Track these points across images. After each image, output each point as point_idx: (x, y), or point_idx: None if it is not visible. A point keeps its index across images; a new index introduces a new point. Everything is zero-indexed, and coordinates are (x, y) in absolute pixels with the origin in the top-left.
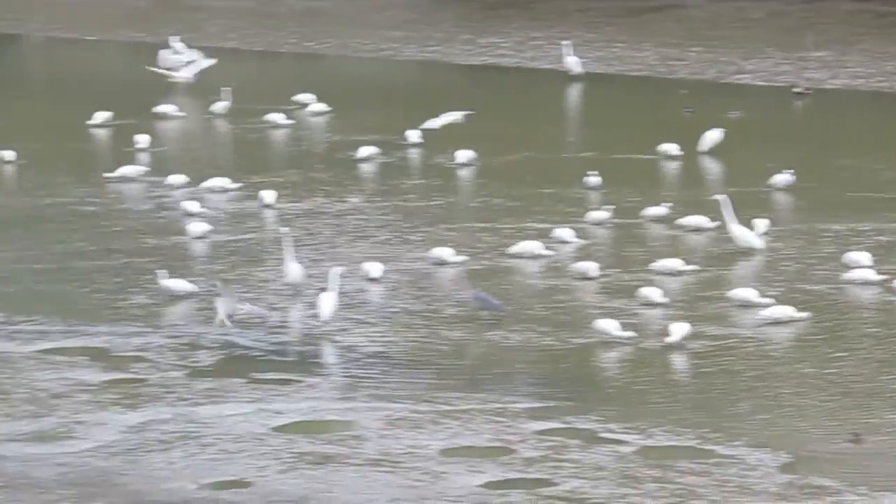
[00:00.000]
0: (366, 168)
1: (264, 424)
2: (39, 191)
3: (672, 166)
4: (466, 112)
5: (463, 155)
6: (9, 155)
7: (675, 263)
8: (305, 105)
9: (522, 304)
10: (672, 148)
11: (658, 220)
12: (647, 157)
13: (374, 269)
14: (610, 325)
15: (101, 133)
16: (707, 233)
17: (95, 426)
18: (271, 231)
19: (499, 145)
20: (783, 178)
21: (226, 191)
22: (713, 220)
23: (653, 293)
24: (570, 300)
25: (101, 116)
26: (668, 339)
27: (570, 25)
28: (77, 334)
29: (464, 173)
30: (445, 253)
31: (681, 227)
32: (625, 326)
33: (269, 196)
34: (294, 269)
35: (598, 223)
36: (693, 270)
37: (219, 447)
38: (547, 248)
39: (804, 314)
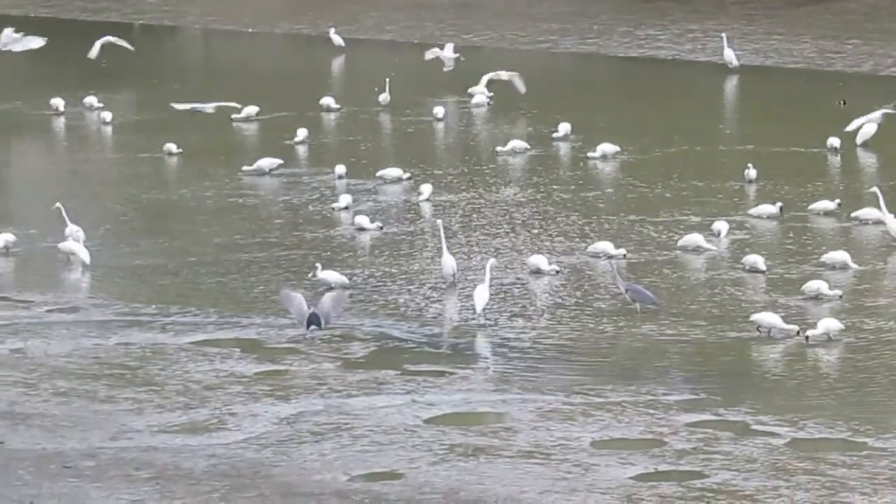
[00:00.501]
0: (518, 161)
1: (416, 416)
2: (198, 183)
3: (830, 159)
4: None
5: (602, 149)
6: (173, 147)
7: (842, 256)
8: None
9: (678, 296)
10: (834, 141)
11: (823, 213)
12: (805, 150)
13: (542, 262)
14: (773, 319)
15: (260, 125)
16: (872, 226)
17: (247, 418)
18: (429, 224)
19: (656, 137)
20: None
21: (399, 180)
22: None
23: (819, 286)
24: (726, 293)
25: (247, 111)
26: (811, 333)
27: (728, 18)
28: (230, 326)
29: (617, 166)
30: (605, 246)
31: (855, 219)
32: (785, 320)
33: (426, 189)
34: (448, 262)
35: (766, 216)
36: (857, 264)
37: (370, 439)
38: (708, 241)
39: None
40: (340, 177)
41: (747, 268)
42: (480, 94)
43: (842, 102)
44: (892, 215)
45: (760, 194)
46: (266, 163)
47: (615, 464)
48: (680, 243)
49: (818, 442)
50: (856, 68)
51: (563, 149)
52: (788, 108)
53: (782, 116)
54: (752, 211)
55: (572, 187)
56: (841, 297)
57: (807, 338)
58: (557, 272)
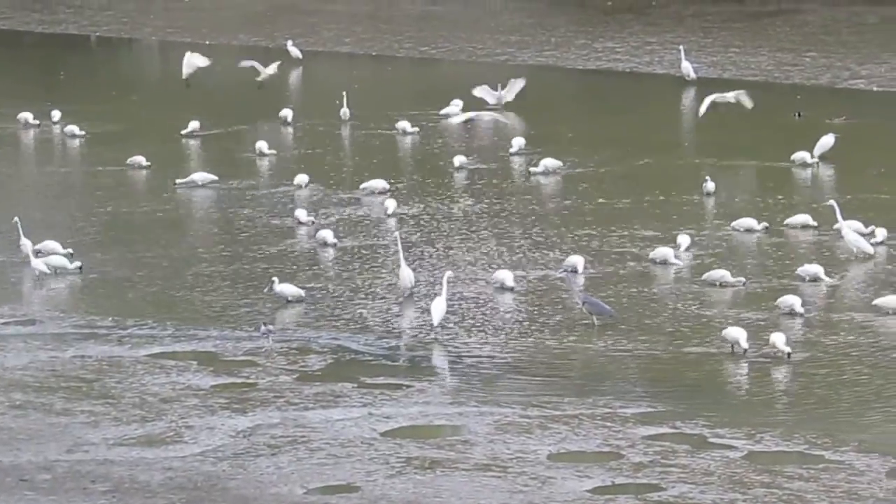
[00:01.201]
0: (474, 174)
1: (373, 429)
2: (159, 195)
3: (795, 172)
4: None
5: (545, 164)
6: (142, 160)
7: (815, 269)
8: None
9: (637, 310)
10: (804, 155)
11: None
12: (763, 163)
13: (507, 277)
14: (739, 334)
15: (222, 138)
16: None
17: (204, 430)
18: (387, 238)
19: (614, 150)
20: None
21: (379, 193)
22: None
23: (793, 301)
24: (686, 307)
25: (192, 125)
26: (767, 349)
27: (686, 30)
28: (188, 338)
29: (573, 178)
30: (577, 261)
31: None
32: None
33: (391, 204)
34: (406, 274)
35: (745, 230)
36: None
37: (327, 452)
38: (676, 255)
39: None
40: (300, 186)
41: (713, 282)
42: (455, 106)
43: (797, 115)
44: (849, 229)
45: (715, 207)
46: (199, 177)
47: (572, 477)
48: (651, 255)
49: (775, 455)
50: (814, 81)
51: (518, 162)
52: (746, 121)
53: (740, 129)
54: (735, 224)
55: (532, 201)
56: (804, 314)
57: (788, 355)
58: (512, 288)
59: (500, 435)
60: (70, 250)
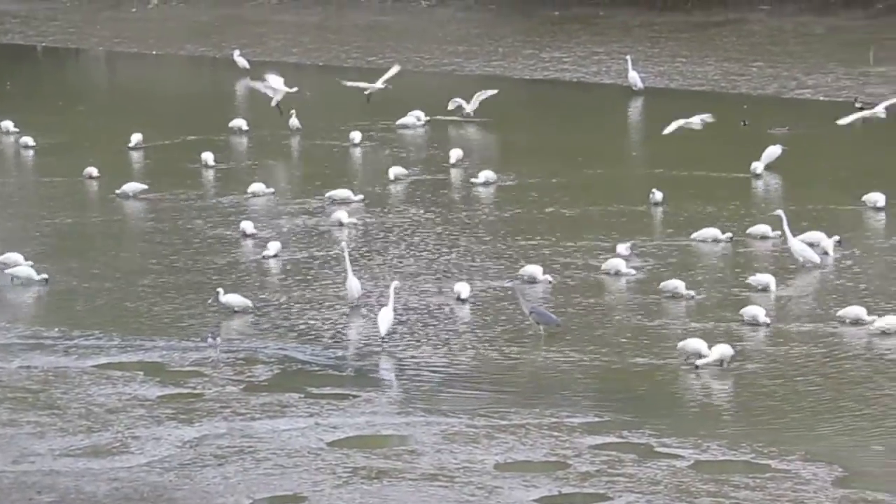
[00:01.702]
0: (417, 186)
1: (320, 439)
2: (109, 206)
3: (738, 182)
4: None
5: (484, 175)
6: (94, 171)
7: (767, 279)
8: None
9: (585, 319)
10: (757, 166)
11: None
12: (710, 173)
13: (464, 289)
14: (699, 345)
15: (171, 149)
16: (776, 248)
17: (150, 441)
18: (335, 248)
19: (561, 160)
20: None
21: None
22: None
23: (756, 312)
24: (634, 317)
25: (135, 139)
26: (702, 361)
27: (633, 40)
28: (134, 349)
29: (522, 188)
30: (534, 270)
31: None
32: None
33: (343, 216)
34: (352, 285)
35: (711, 240)
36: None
37: (274, 462)
38: (629, 266)
39: None
40: (255, 195)
41: (667, 292)
42: (413, 115)
43: (744, 123)
44: (795, 239)
45: (667, 217)
46: (131, 187)
47: (519, 486)
48: (604, 267)
49: (722, 464)
50: (760, 91)
51: (459, 174)
52: (693, 131)
53: (687, 139)
54: (696, 235)
55: (481, 212)
56: (769, 325)
57: (696, 367)
58: (465, 300)
59: (446, 445)
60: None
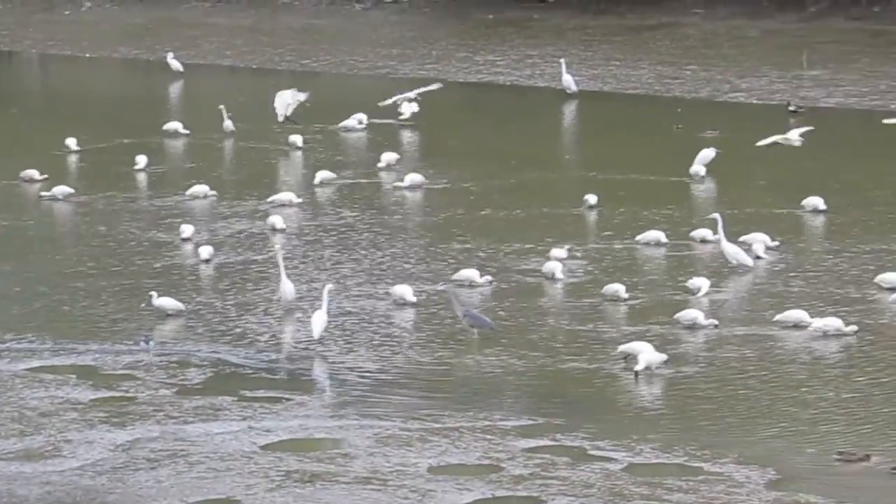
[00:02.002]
0: (350, 189)
1: (253, 442)
2: (44, 209)
3: (673, 185)
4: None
5: (411, 178)
6: (35, 174)
7: (702, 282)
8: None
9: (520, 323)
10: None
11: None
12: (644, 176)
13: (407, 292)
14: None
15: (104, 152)
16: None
17: (83, 444)
18: (269, 251)
19: (496, 163)
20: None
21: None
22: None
23: (695, 315)
24: (567, 320)
25: (68, 142)
26: (637, 367)
27: (567, 43)
28: (67, 352)
29: (457, 192)
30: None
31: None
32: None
33: (278, 220)
34: (286, 288)
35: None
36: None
37: (207, 465)
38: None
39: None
40: (204, 196)
41: (608, 296)
42: (355, 118)
43: (678, 127)
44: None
45: (597, 221)
46: (59, 190)
47: (452, 489)
48: (544, 270)
49: (655, 467)
50: (694, 94)
51: (389, 177)
52: (627, 134)
53: (621, 142)
54: (640, 237)
55: (416, 214)
56: (717, 326)
57: (636, 373)
58: (415, 304)
59: (380, 448)
60: None
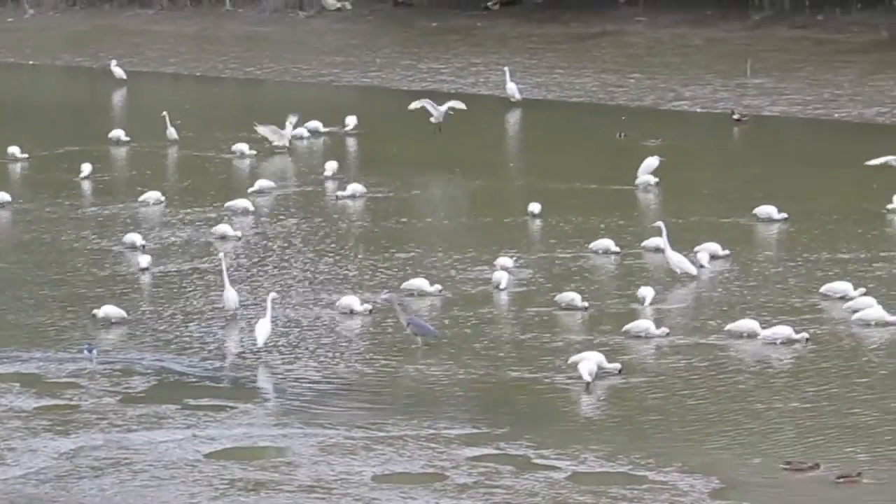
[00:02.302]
0: (293, 197)
1: (197, 451)
2: None
3: (615, 194)
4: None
5: (353, 188)
6: None
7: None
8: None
9: (465, 331)
10: (649, 179)
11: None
12: (588, 185)
13: (354, 302)
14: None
15: (49, 160)
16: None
17: (26, 453)
18: (213, 259)
19: (440, 171)
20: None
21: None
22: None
23: (647, 325)
24: (513, 330)
25: (10, 150)
26: (586, 379)
27: (511, 52)
28: (10, 360)
29: (401, 200)
30: (422, 283)
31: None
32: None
33: (226, 229)
34: (230, 296)
35: (602, 252)
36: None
37: (151, 474)
38: (512, 278)
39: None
40: (157, 202)
41: (564, 305)
42: (315, 128)
43: (622, 135)
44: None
45: (541, 229)
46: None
47: (396, 498)
48: (494, 280)
49: (599, 475)
50: (638, 102)
51: (333, 187)
52: (571, 142)
53: (565, 150)
54: (593, 245)
55: (356, 223)
56: (668, 334)
57: (587, 385)
58: (371, 311)
59: (324, 456)
60: None
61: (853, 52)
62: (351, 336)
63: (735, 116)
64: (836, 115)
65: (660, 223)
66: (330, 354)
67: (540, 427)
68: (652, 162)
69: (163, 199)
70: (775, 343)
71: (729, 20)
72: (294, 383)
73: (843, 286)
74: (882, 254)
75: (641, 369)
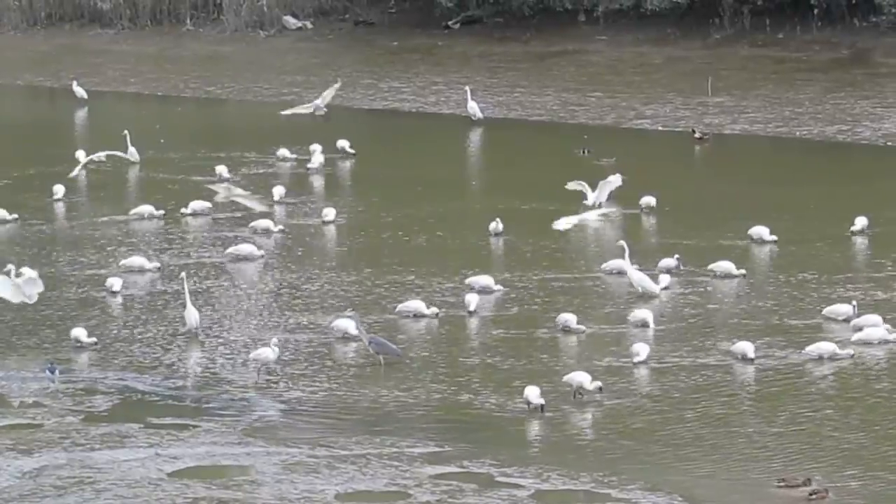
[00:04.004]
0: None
1: (160, 469)
2: None
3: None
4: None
5: (329, 212)
6: None
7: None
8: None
9: (427, 351)
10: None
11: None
12: (548, 206)
13: (350, 326)
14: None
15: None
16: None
17: None
18: (175, 280)
19: (401, 191)
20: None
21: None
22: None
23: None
24: (478, 350)
25: None
26: (533, 403)
27: (472, 70)
28: None
29: (364, 221)
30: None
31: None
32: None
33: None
34: (191, 315)
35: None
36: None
37: (114, 493)
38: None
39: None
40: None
41: (560, 326)
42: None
43: (584, 151)
44: (635, 269)
45: (507, 249)
46: None
47: None
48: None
49: (562, 493)
50: (599, 121)
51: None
52: (532, 161)
53: (528, 169)
54: (606, 265)
55: (325, 245)
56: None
57: (542, 408)
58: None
59: (287, 475)
60: None
61: (814, 71)
62: (314, 354)
63: (696, 135)
64: (798, 132)
65: (622, 242)
66: (293, 373)
67: (503, 446)
68: (615, 180)
69: (159, 211)
70: (745, 357)
71: (690, 39)
72: (257, 402)
73: (844, 308)
74: (849, 274)
75: (604, 390)
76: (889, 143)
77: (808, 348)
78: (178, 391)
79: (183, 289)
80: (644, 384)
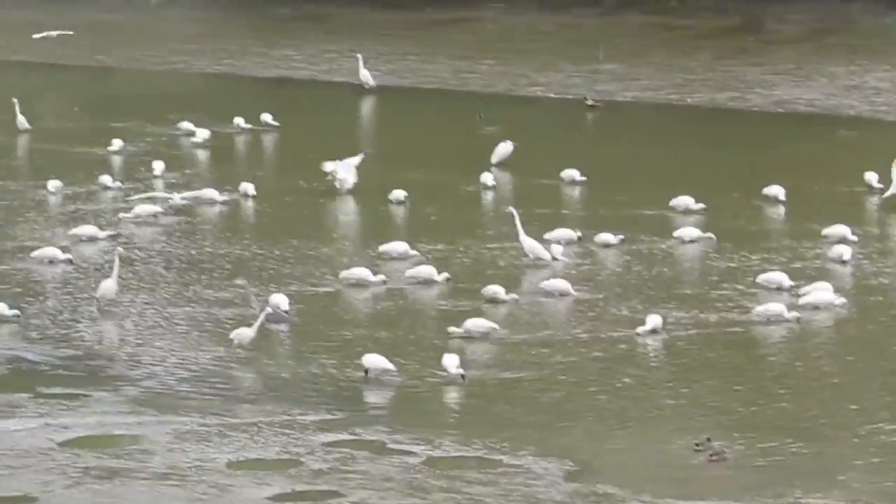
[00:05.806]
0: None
1: (50, 439)
2: None
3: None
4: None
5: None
6: None
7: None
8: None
9: (320, 320)
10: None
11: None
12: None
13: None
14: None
15: None
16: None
17: None
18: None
19: (295, 160)
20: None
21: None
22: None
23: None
24: (371, 320)
25: None
26: (452, 373)
27: (363, 38)
28: None
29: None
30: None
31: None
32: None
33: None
34: (109, 286)
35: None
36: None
37: (3, 463)
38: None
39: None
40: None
41: (487, 297)
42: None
43: (480, 116)
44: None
45: (406, 216)
46: None
47: (251, 484)
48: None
49: (454, 460)
50: (491, 88)
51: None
52: (426, 129)
53: (420, 138)
54: (549, 235)
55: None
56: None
57: (462, 377)
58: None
59: (178, 443)
60: None
61: (704, 38)
62: (205, 325)
63: (588, 102)
64: (689, 99)
65: (510, 209)
66: (184, 342)
67: (394, 411)
68: (506, 147)
69: (116, 183)
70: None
71: (581, 6)
72: (148, 371)
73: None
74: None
75: (492, 361)
76: (780, 110)
77: (758, 309)
78: (69, 361)
79: (114, 262)
80: (529, 358)
